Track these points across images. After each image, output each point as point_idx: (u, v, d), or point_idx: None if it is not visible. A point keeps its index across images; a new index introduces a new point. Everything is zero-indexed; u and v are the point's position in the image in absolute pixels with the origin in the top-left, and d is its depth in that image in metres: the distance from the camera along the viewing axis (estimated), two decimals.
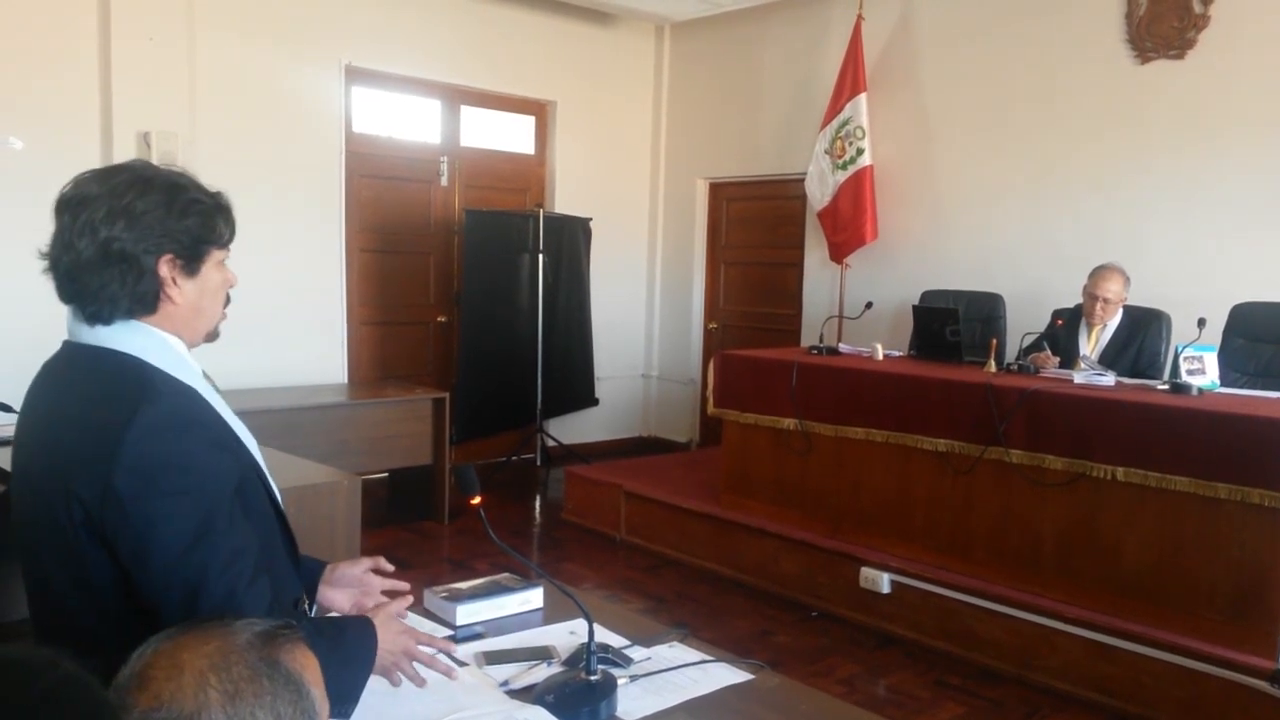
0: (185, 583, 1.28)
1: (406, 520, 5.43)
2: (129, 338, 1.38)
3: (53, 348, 1.46)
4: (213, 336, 1.50)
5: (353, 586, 1.73)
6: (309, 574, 1.69)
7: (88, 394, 1.36)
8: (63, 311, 1.41)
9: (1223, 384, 3.84)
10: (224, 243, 1.45)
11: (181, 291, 1.39)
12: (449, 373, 6.46)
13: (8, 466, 2.66)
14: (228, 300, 1.51)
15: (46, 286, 1.40)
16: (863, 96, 5.88)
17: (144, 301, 1.37)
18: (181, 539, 1.28)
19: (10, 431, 2.91)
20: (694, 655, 1.79)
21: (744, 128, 6.90)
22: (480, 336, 6.17)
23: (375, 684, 1.56)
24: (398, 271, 6.32)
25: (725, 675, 1.73)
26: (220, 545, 1.31)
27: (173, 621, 1.07)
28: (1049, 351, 4.35)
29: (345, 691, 1.39)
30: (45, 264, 1.40)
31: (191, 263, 1.40)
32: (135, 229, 1.34)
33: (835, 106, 5.98)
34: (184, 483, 1.30)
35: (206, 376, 1.47)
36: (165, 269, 1.37)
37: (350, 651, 1.44)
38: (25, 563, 1.44)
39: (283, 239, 5.44)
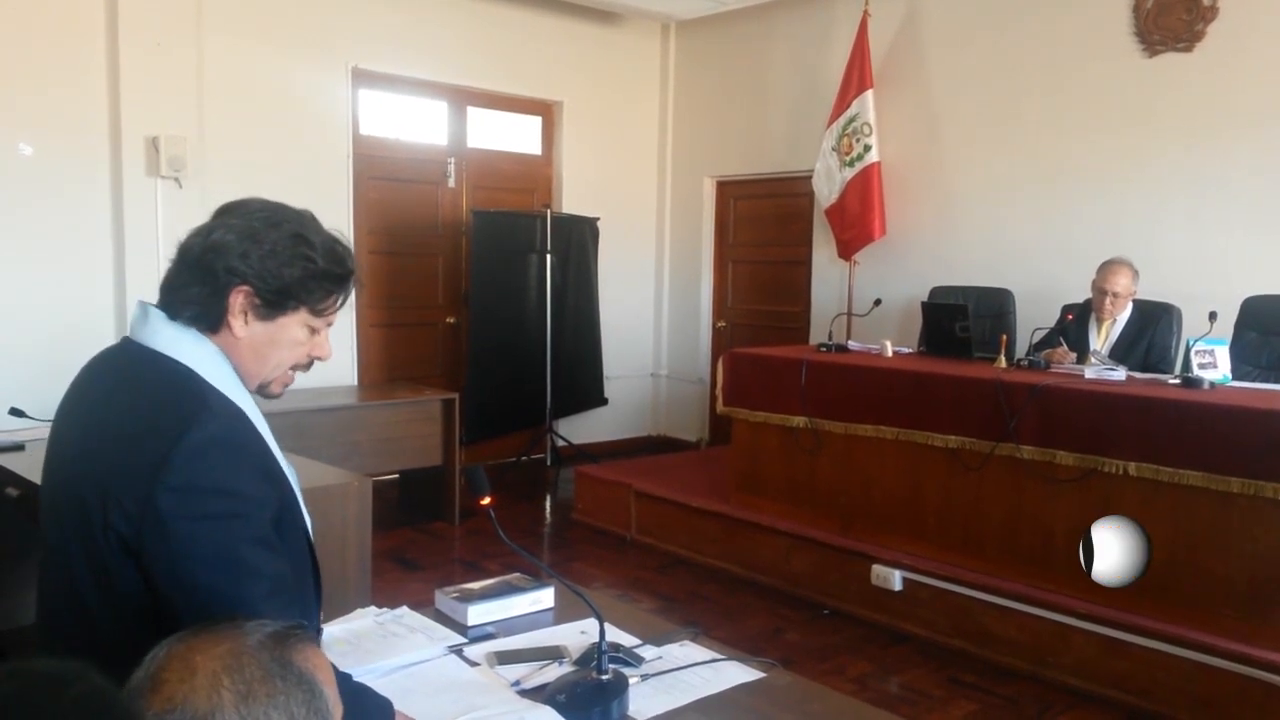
0: (224, 609, 1.23)
1: (417, 521, 5.44)
2: (189, 347, 1.37)
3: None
4: (266, 393, 1.47)
5: None
6: None
7: (137, 399, 1.34)
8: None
9: (1234, 378, 3.81)
10: (318, 308, 1.43)
11: (247, 328, 1.39)
12: (458, 374, 6.46)
13: (20, 472, 2.69)
14: (307, 367, 1.49)
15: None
16: (869, 93, 5.86)
17: (208, 317, 1.39)
18: (222, 564, 1.27)
19: (19, 437, 2.95)
20: (705, 654, 1.79)
21: (751, 126, 6.88)
22: (489, 337, 6.18)
23: (385, 687, 1.57)
24: (406, 273, 6.34)
25: (737, 674, 1.73)
26: (262, 573, 1.30)
27: None
28: (1064, 346, 4.33)
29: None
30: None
31: (270, 308, 1.39)
32: (236, 252, 1.37)
33: (842, 103, 5.97)
34: (229, 507, 1.28)
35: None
36: (237, 299, 1.38)
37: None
38: (51, 561, 1.42)
39: None
